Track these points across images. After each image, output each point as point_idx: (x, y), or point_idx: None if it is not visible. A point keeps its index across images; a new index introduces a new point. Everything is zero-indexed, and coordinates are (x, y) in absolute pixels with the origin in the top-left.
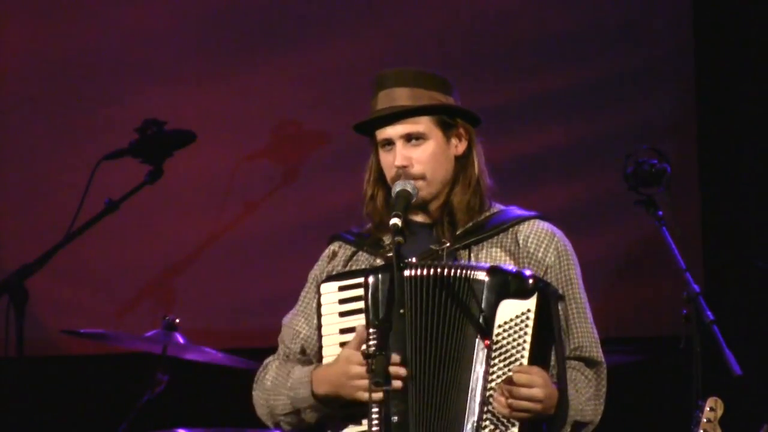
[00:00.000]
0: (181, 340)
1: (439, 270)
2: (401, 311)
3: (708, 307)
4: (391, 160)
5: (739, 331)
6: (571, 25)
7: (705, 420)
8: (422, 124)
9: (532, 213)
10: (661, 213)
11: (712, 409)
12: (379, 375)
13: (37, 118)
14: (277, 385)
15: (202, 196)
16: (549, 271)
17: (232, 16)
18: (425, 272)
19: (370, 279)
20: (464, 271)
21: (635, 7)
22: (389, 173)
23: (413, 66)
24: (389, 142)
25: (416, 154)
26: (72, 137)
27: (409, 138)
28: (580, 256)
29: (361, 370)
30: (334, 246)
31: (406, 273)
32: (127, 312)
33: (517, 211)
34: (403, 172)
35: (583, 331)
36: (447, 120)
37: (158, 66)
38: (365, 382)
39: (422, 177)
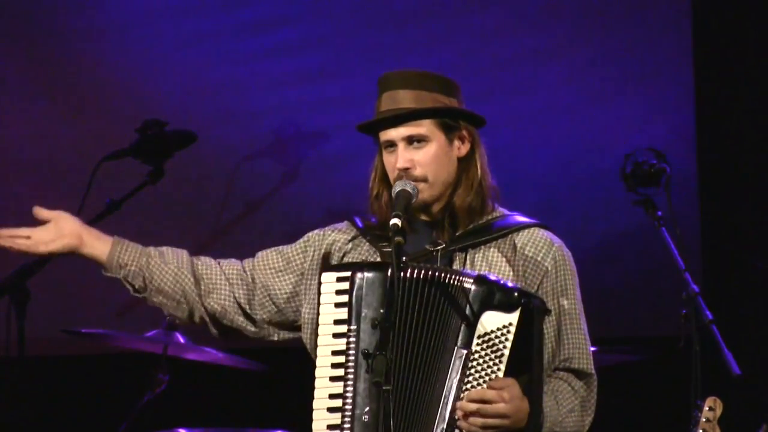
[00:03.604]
0: (182, 340)
1: (425, 273)
2: (381, 311)
3: (707, 307)
4: (393, 162)
5: (738, 331)
6: (572, 25)
7: (704, 420)
8: (424, 127)
9: (534, 221)
10: (660, 213)
11: (711, 408)
12: (378, 375)
13: (38, 118)
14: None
15: (203, 196)
16: (546, 276)
17: (232, 16)
18: (413, 274)
19: (357, 275)
20: (451, 277)
21: (635, 7)
22: (392, 174)
23: (417, 68)
24: (392, 144)
25: (418, 157)
26: (73, 137)
27: (411, 140)
28: (579, 256)
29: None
30: (344, 226)
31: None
32: (127, 312)
33: (518, 217)
34: (405, 174)
35: (574, 342)
36: (449, 122)
37: (158, 65)
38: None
39: (424, 179)
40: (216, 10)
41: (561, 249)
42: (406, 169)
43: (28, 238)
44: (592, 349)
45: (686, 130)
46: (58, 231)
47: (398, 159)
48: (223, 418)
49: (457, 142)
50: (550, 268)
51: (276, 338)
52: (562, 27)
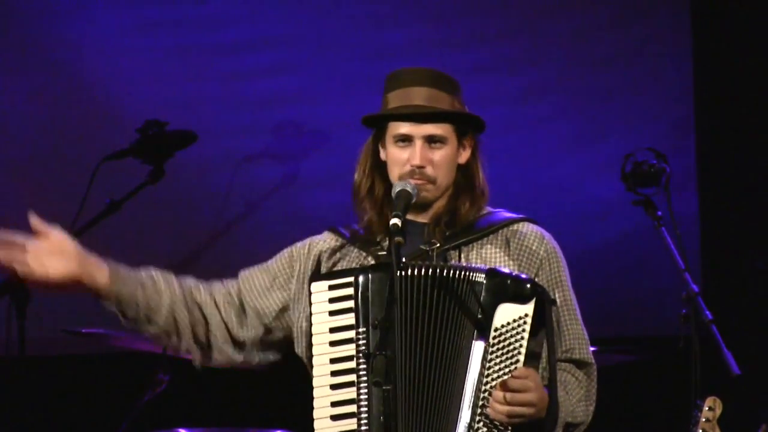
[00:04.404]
0: None
1: (436, 270)
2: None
3: (707, 307)
4: (404, 157)
5: (737, 331)
6: (572, 26)
7: (704, 419)
8: (444, 129)
9: (521, 215)
10: (660, 213)
11: (710, 408)
12: (379, 375)
13: (38, 117)
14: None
15: (202, 196)
16: (541, 268)
17: (231, 16)
18: (422, 272)
19: (360, 278)
20: (463, 272)
21: (635, 6)
22: (398, 169)
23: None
24: (405, 139)
25: (435, 157)
26: (73, 137)
27: (431, 140)
28: (579, 256)
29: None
30: (327, 236)
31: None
32: None
33: (506, 213)
34: (418, 172)
35: (573, 332)
36: (463, 128)
37: (158, 65)
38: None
39: (433, 181)
40: (214, 23)
41: (551, 241)
42: (421, 167)
43: (25, 249)
44: (592, 349)
45: (686, 129)
46: (59, 248)
47: (416, 156)
48: (223, 418)
49: (460, 149)
50: (544, 260)
51: (257, 361)
52: (563, 26)
